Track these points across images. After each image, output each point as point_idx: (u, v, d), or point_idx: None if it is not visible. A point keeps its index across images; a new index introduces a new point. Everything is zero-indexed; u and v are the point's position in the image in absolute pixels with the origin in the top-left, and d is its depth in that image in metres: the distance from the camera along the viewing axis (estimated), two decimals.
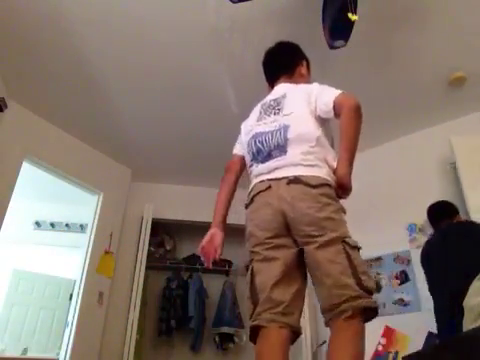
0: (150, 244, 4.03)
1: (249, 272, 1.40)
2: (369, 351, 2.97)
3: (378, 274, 3.20)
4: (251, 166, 1.56)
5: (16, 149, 3.12)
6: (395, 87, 3.03)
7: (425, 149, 3.37)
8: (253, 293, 1.35)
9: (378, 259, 3.23)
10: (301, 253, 1.35)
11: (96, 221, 3.70)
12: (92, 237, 3.63)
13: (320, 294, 1.28)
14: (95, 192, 3.81)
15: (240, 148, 1.72)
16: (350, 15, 1.96)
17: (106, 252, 3.69)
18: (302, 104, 1.51)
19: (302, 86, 1.63)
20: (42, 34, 2.63)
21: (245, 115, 1.76)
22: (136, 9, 2.47)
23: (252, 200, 1.47)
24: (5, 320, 4.44)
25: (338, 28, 2.13)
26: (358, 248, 1.31)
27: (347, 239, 1.30)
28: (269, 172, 1.45)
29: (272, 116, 1.55)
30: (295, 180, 1.36)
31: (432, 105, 3.20)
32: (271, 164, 1.45)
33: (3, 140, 3.02)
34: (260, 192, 1.43)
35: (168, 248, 4.39)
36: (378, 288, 1.25)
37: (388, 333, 2.97)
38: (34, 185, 4.15)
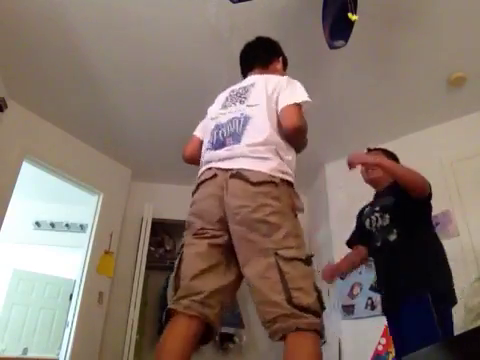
0: (150, 244, 4.03)
1: (178, 258, 1.37)
2: (369, 351, 2.97)
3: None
4: (205, 151, 1.50)
5: (16, 149, 3.12)
6: (395, 87, 3.03)
7: (425, 149, 3.36)
8: (177, 279, 1.32)
9: None
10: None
11: (96, 221, 3.70)
12: (92, 237, 3.63)
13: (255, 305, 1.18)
14: (95, 192, 3.81)
15: (202, 131, 1.71)
16: (350, 15, 1.96)
17: (106, 252, 3.69)
18: (267, 96, 1.47)
19: (272, 77, 1.59)
20: (42, 34, 2.63)
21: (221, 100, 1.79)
22: (136, 10, 2.47)
23: (197, 188, 1.41)
24: (5, 320, 4.44)
25: (338, 28, 2.13)
26: (301, 259, 1.15)
27: (282, 251, 1.14)
28: (218, 160, 1.38)
29: (237, 105, 1.52)
30: (237, 174, 1.27)
31: (432, 105, 3.19)
32: (222, 152, 1.39)
33: (3, 140, 3.02)
34: (205, 180, 1.37)
35: (168, 248, 4.38)
36: (322, 306, 1.11)
37: (388, 333, 2.97)
38: (34, 185, 4.16)
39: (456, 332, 1.41)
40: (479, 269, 2.71)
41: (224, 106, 1.58)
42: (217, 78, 2.97)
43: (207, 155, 1.46)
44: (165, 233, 4.43)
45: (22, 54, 2.78)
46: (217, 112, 1.58)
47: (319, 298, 1.10)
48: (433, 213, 3.14)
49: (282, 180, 1.26)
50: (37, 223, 5.04)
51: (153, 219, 4.05)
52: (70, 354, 3.17)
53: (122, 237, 3.94)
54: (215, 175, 1.34)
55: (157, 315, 4.07)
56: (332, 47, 2.23)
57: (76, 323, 3.28)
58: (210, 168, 1.38)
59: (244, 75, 1.78)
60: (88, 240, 3.63)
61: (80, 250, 3.69)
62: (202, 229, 1.32)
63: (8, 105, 3.00)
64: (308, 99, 1.49)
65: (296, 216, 1.27)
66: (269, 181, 1.23)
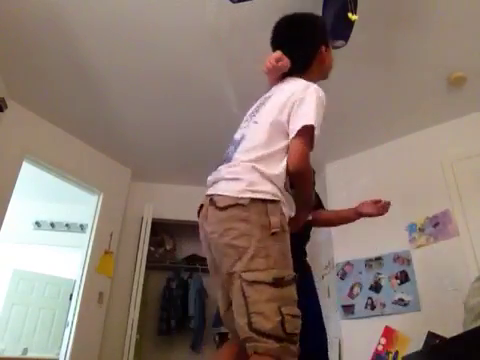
0: (150, 244, 4.03)
1: None
2: (369, 351, 2.98)
3: (378, 274, 3.21)
4: None
5: (16, 149, 3.12)
6: (395, 87, 3.03)
7: (425, 149, 3.37)
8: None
9: (378, 259, 3.23)
10: None
11: (96, 221, 3.70)
12: (92, 237, 3.63)
13: None
14: (95, 192, 3.81)
15: None
16: (350, 15, 1.96)
17: (106, 252, 3.69)
18: (274, 114, 1.32)
19: (288, 87, 1.42)
20: (42, 35, 2.63)
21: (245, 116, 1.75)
22: (135, 11, 2.47)
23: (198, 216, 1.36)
24: (5, 320, 4.44)
25: (338, 28, 2.13)
26: (265, 282, 1.09)
27: (245, 274, 1.10)
28: (208, 186, 1.34)
29: (248, 121, 1.42)
30: (210, 201, 1.25)
31: (432, 105, 3.19)
32: (211, 177, 1.35)
33: (3, 140, 3.02)
34: (199, 209, 1.35)
35: (168, 248, 4.39)
36: (285, 331, 1.06)
37: (388, 333, 2.97)
38: (34, 185, 4.16)
39: (456, 332, 1.41)
40: (479, 269, 2.71)
41: (244, 120, 1.45)
42: (217, 78, 2.97)
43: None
44: (165, 233, 4.43)
45: (22, 54, 2.78)
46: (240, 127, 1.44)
47: (282, 323, 1.05)
48: (433, 213, 3.17)
49: (253, 199, 1.17)
50: (37, 223, 5.04)
51: (153, 219, 4.06)
52: (70, 354, 3.17)
53: (122, 237, 3.94)
54: (201, 206, 1.32)
55: (157, 315, 4.07)
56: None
57: (76, 323, 3.28)
58: (205, 195, 1.33)
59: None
60: (88, 240, 3.63)
61: (80, 250, 3.69)
62: (209, 263, 1.33)
63: (8, 105, 3.00)
64: (312, 122, 1.27)
65: (274, 234, 1.15)
66: (234, 204, 1.17)
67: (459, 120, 3.27)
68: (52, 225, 5.07)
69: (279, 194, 1.21)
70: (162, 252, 4.33)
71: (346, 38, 2.17)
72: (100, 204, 3.78)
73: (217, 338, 4.01)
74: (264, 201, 1.18)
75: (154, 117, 3.43)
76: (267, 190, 1.19)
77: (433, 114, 3.29)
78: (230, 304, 1.20)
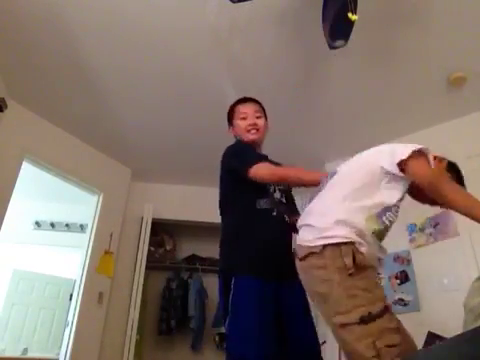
0: (150, 244, 4.03)
1: None
2: None
3: (378, 274, 3.20)
4: None
5: (16, 149, 3.12)
6: (395, 87, 3.03)
7: None
8: None
9: (378, 259, 3.23)
10: None
11: (96, 221, 3.70)
12: (92, 237, 3.63)
13: None
14: (95, 192, 3.80)
15: None
16: (350, 15, 1.95)
17: (106, 252, 3.69)
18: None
19: None
20: (42, 35, 2.63)
21: None
22: (135, 11, 2.46)
23: None
24: (5, 320, 4.44)
25: (338, 28, 2.13)
26: (352, 323, 1.14)
27: (334, 318, 1.17)
28: None
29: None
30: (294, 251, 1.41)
31: (432, 105, 3.19)
32: None
33: (3, 140, 3.01)
34: None
35: (168, 248, 4.39)
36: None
37: None
38: (34, 185, 4.15)
39: (456, 332, 1.40)
40: (479, 269, 2.71)
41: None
42: (217, 79, 2.97)
43: None
44: (165, 233, 4.44)
45: (22, 54, 2.78)
46: None
47: (378, 356, 1.09)
48: (433, 213, 3.17)
49: (325, 246, 1.25)
50: (37, 223, 5.04)
51: (153, 219, 4.06)
52: (70, 354, 3.17)
53: (122, 237, 3.94)
54: None
55: (157, 315, 4.08)
56: (332, 47, 2.23)
57: (76, 323, 3.28)
58: None
59: None
60: (88, 240, 3.63)
61: (80, 250, 3.69)
62: None
63: (8, 105, 3.00)
64: None
65: (351, 275, 1.20)
66: (310, 253, 1.27)
67: (459, 120, 3.27)
68: (52, 225, 5.07)
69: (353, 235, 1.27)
70: (162, 252, 4.33)
71: (346, 38, 2.16)
72: (100, 204, 3.78)
73: (217, 338, 4.01)
74: (336, 245, 1.24)
75: (154, 117, 3.43)
76: (336, 234, 1.26)
77: (433, 114, 3.29)
78: None
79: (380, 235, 1.39)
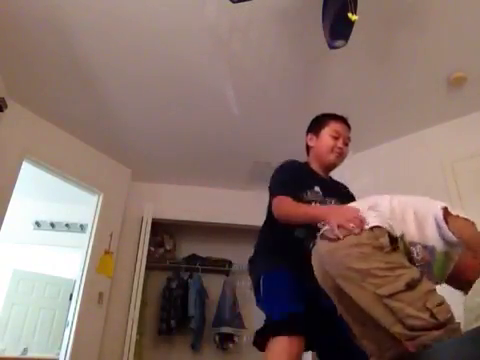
0: (150, 244, 4.03)
1: None
2: None
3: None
4: None
5: (16, 149, 3.12)
6: (395, 87, 3.03)
7: (425, 149, 3.37)
8: None
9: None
10: None
11: (96, 221, 3.70)
12: (92, 237, 3.63)
13: None
14: (95, 192, 3.81)
15: None
16: (350, 15, 1.95)
17: (106, 252, 3.69)
18: None
19: None
20: (42, 35, 2.63)
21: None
22: (135, 11, 2.46)
23: None
24: (5, 320, 4.44)
25: (338, 28, 2.13)
26: (400, 290, 1.25)
27: (381, 290, 1.28)
28: None
29: None
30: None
31: (432, 105, 3.19)
32: None
33: (3, 140, 3.02)
34: None
35: (168, 248, 4.39)
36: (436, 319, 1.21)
37: None
38: (34, 185, 4.15)
39: None
40: None
41: None
42: (217, 79, 2.97)
43: None
44: (165, 233, 4.44)
45: (22, 54, 2.78)
46: None
47: (432, 315, 1.17)
48: None
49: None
50: (37, 223, 5.04)
51: (153, 219, 4.06)
52: (70, 354, 3.17)
53: (122, 237, 3.94)
54: None
55: (157, 315, 4.08)
56: (332, 47, 2.23)
57: (76, 323, 3.28)
58: None
59: None
60: (88, 240, 3.63)
61: (80, 250, 3.69)
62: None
63: (8, 105, 3.00)
64: None
65: (388, 252, 1.29)
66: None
67: (459, 120, 3.27)
68: (52, 225, 5.07)
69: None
70: (162, 252, 4.33)
71: (346, 38, 2.16)
72: (100, 204, 3.78)
73: (217, 338, 4.02)
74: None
75: (154, 117, 3.43)
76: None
77: (433, 114, 3.29)
78: (364, 322, 1.34)
79: None
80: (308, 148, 1.93)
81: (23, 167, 3.17)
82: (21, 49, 2.74)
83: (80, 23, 2.56)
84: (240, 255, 3.64)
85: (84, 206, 3.96)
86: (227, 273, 4.33)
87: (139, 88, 3.09)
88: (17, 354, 4.29)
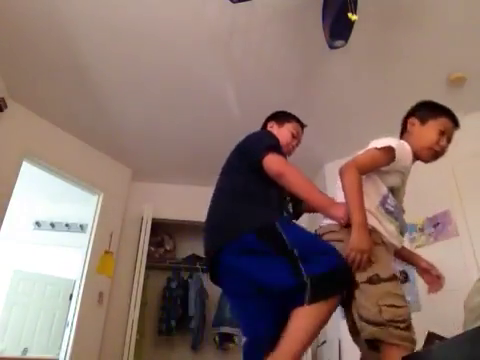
0: (150, 244, 4.03)
1: None
2: None
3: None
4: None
5: (16, 149, 3.12)
6: (395, 87, 3.03)
7: None
8: None
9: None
10: None
11: (96, 221, 3.70)
12: (92, 237, 3.63)
13: None
14: (95, 192, 3.81)
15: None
16: (350, 15, 1.95)
17: (106, 252, 3.69)
18: None
19: None
20: (42, 34, 2.63)
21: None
22: (135, 11, 2.47)
23: None
24: (5, 320, 4.45)
25: (338, 28, 2.13)
26: (363, 282, 1.38)
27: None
28: None
29: None
30: None
31: None
32: None
33: (3, 140, 3.02)
34: None
35: (168, 248, 4.39)
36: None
37: None
38: (34, 185, 4.16)
39: (456, 332, 1.40)
40: (479, 269, 2.71)
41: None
42: (217, 79, 2.97)
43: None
44: (165, 233, 4.43)
45: (22, 54, 2.78)
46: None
47: (380, 312, 1.28)
48: (433, 213, 3.17)
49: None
50: (37, 223, 5.04)
51: (153, 219, 4.05)
52: (70, 354, 3.17)
53: (122, 237, 3.94)
54: None
55: (157, 315, 4.07)
56: (332, 47, 2.24)
57: (76, 323, 3.28)
58: None
59: None
60: (88, 240, 3.63)
61: (80, 250, 3.69)
62: None
63: (8, 105, 3.00)
64: None
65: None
66: (329, 231, 1.51)
67: (459, 120, 3.27)
68: (52, 225, 5.07)
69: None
70: (162, 252, 4.33)
71: (346, 38, 2.17)
72: (100, 204, 3.78)
73: (217, 338, 4.01)
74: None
75: (154, 117, 3.43)
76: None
77: None
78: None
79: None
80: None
81: (23, 167, 3.17)
82: (21, 49, 2.74)
83: (80, 23, 2.56)
84: None
85: (84, 206, 3.96)
86: None
87: (139, 88, 3.09)
88: (17, 354, 4.30)
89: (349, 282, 1.33)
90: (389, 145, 1.53)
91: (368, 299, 1.31)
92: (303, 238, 1.40)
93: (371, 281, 1.32)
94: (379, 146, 1.53)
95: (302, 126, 1.90)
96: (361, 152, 1.59)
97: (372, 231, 1.43)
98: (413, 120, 1.72)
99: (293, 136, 1.83)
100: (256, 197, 1.51)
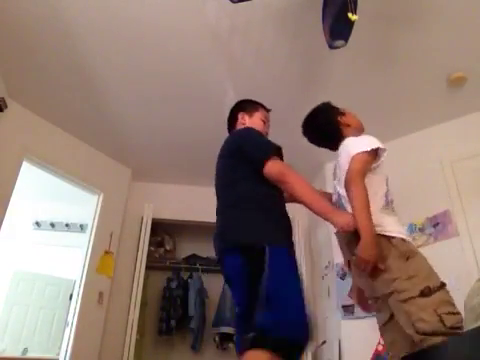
0: (150, 244, 4.03)
1: None
2: (369, 351, 2.97)
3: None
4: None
5: (16, 149, 3.12)
6: (395, 87, 3.03)
7: (425, 149, 3.37)
8: None
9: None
10: None
11: (96, 221, 3.70)
12: (92, 237, 3.63)
13: None
14: (95, 192, 3.81)
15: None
16: (350, 15, 1.95)
17: (106, 252, 3.69)
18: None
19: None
20: (42, 35, 2.63)
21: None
22: (136, 11, 2.47)
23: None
24: (5, 320, 4.44)
25: (338, 28, 2.13)
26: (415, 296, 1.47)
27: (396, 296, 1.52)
28: None
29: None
30: None
31: (432, 105, 3.19)
32: None
33: (3, 140, 3.02)
34: None
35: (168, 248, 4.39)
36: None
37: None
38: (34, 185, 4.15)
39: None
40: (479, 269, 2.71)
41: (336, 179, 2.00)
42: (217, 78, 2.97)
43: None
44: (165, 233, 4.43)
45: (22, 54, 2.78)
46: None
47: (441, 321, 1.34)
48: (433, 213, 3.17)
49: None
50: (37, 223, 5.03)
51: (153, 219, 4.05)
52: (70, 354, 3.17)
53: (122, 237, 3.94)
54: None
55: (157, 315, 4.07)
56: (332, 47, 2.24)
57: (76, 323, 3.28)
58: None
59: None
60: (88, 240, 3.63)
61: (80, 250, 3.69)
62: None
63: (8, 105, 3.00)
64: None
65: (408, 259, 1.53)
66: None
67: (459, 120, 3.27)
68: (52, 225, 5.07)
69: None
70: (162, 252, 4.33)
71: (346, 38, 2.17)
72: (100, 204, 3.78)
73: (217, 338, 4.01)
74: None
75: (154, 117, 3.43)
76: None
77: (433, 114, 3.29)
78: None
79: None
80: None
81: (23, 167, 3.17)
82: (21, 49, 2.74)
83: (81, 23, 2.56)
84: None
85: (84, 206, 3.96)
86: None
87: (140, 88, 3.09)
88: (17, 354, 4.29)
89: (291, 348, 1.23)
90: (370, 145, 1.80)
91: (424, 311, 1.37)
92: (282, 282, 1.32)
93: (423, 294, 1.40)
94: (367, 149, 1.78)
95: (268, 111, 2.00)
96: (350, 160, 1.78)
97: (383, 239, 1.54)
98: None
99: (264, 123, 1.93)
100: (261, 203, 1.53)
